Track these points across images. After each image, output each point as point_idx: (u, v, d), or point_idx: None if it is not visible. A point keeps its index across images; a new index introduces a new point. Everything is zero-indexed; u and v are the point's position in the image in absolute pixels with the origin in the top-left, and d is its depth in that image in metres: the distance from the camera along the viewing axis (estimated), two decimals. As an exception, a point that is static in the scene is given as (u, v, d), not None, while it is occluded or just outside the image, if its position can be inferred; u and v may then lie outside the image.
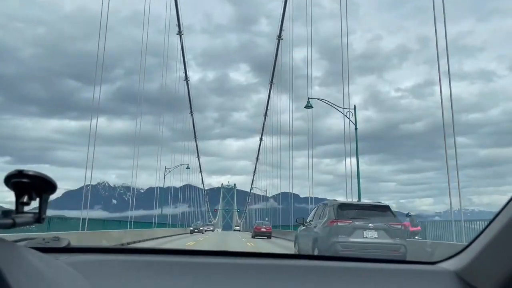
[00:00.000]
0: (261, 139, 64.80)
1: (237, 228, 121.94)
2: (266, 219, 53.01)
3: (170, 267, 1.29)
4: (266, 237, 34.55)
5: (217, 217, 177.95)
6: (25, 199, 0.86)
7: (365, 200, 16.09)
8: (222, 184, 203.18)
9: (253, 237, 35.36)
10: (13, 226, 0.81)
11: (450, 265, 1.32)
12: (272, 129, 50.94)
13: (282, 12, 38.15)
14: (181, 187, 67.11)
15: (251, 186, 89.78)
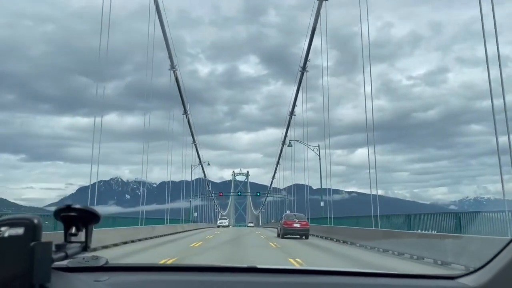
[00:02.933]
0: (283, 142, 55.94)
1: (251, 224, 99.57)
2: (323, 201, 34.79)
3: (212, 287, 1.28)
4: (299, 236, 24.94)
5: (228, 208, 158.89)
6: (73, 230, 1.00)
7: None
8: (233, 172, 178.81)
9: (281, 236, 25.35)
10: (65, 258, 0.96)
11: (470, 281, 1.29)
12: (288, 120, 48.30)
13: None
14: (198, 179, 66.99)
15: (275, 172, 71.44)
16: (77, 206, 0.98)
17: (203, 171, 70.75)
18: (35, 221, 0.81)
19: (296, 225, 25.03)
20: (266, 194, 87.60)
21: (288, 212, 39.94)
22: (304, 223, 25.50)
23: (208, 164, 63.59)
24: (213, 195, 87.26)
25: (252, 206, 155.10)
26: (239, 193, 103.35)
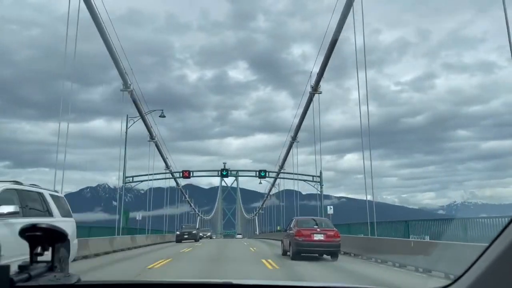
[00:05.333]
0: (281, 167, 51.62)
1: (239, 236, 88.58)
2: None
3: None
4: (318, 255, 15.80)
5: (213, 212, 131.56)
6: (39, 250, 1.00)
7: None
8: (221, 169, 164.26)
9: (291, 255, 15.75)
10: (29, 279, 0.95)
11: None
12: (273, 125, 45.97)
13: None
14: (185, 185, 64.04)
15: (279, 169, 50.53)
16: (43, 225, 0.96)
17: (177, 183, 57.83)
18: None
19: (319, 236, 15.42)
20: (276, 175, 51.06)
21: (299, 217, 22.77)
22: (333, 233, 15.68)
23: (162, 115, 35.97)
24: (194, 206, 68.39)
25: (243, 210, 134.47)
26: (225, 172, 55.92)
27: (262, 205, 78.55)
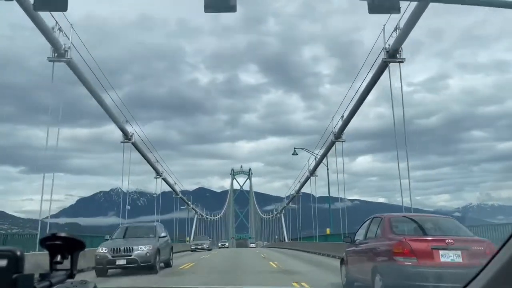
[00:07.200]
0: (297, 192, 52.04)
1: (252, 245, 79.68)
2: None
3: None
4: None
5: (222, 212, 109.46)
6: (58, 258, 1.05)
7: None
8: (232, 170, 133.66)
9: None
10: (50, 286, 1.00)
11: None
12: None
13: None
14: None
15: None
16: (62, 234, 1.02)
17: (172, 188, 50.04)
18: (18, 253, 0.86)
19: (450, 255, 6.52)
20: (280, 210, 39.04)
21: (386, 214, 8.61)
22: (483, 247, 6.67)
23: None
24: (198, 210, 60.50)
25: (258, 209, 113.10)
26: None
27: (299, 191, 50.80)
